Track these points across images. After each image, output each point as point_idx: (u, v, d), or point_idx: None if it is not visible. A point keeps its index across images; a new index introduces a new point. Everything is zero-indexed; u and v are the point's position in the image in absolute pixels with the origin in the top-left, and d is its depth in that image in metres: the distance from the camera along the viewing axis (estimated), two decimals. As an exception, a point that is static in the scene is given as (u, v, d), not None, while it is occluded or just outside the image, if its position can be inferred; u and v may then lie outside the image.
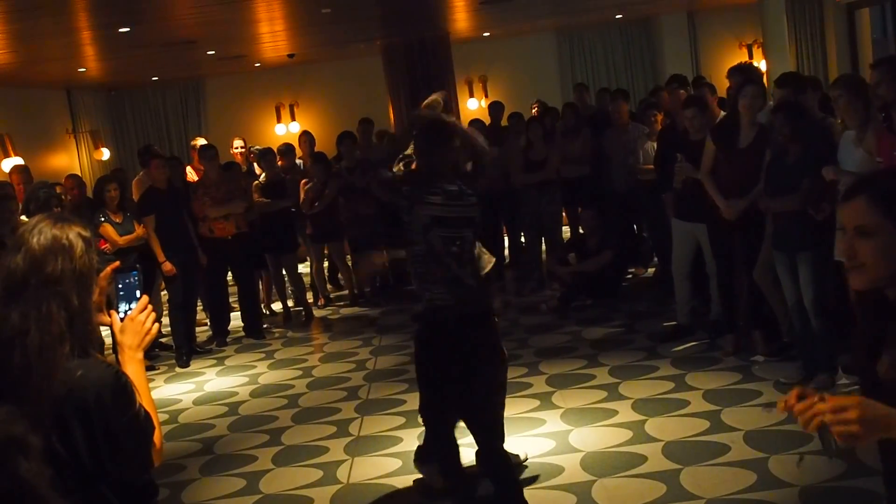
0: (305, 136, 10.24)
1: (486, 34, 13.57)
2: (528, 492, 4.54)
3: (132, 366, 2.29)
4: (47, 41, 8.63)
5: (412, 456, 5.11)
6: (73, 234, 2.18)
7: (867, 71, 6.43)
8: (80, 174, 10.36)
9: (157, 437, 2.23)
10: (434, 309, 4.07)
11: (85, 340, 2.14)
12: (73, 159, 12.67)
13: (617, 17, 13.66)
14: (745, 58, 14.01)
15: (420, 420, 4.68)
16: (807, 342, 5.52)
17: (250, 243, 8.52)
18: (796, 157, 5.37)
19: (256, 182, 8.93)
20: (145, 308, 2.33)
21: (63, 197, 7.64)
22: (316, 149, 9.87)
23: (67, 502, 1.59)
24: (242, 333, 8.71)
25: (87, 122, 13.16)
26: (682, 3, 13.51)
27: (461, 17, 11.26)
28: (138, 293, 2.33)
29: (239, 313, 8.87)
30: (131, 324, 2.31)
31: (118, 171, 10.09)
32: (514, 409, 5.20)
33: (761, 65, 12.37)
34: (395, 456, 5.17)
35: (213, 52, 11.15)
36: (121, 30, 8.21)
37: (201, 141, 9.79)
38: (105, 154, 12.89)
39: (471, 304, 4.09)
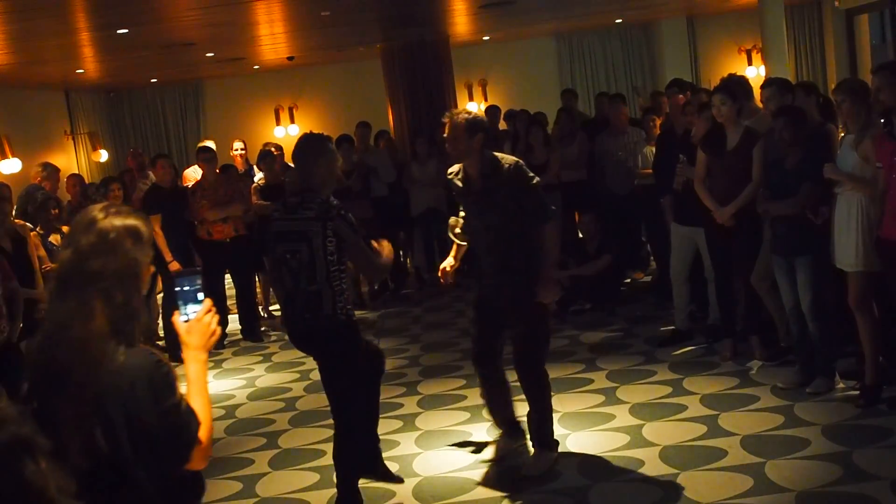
0: (306, 139, 10.21)
1: (485, 38, 13.59)
2: (525, 495, 4.54)
3: (195, 365, 2.33)
4: (45, 42, 8.62)
5: (410, 459, 5.13)
6: (122, 230, 2.20)
7: (866, 77, 6.43)
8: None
9: (204, 436, 2.22)
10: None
11: (131, 334, 2.16)
12: (72, 161, 12.66)
13: (616, 21, 13.67)
14: (744, 63, 14.05)
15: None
16: (804, 347, 5.51)
17: (248, 246, 8.51)
18: (795, 161, 5.37)
19: (255, 185, 8.92)
20: (210, 310, 2.38)
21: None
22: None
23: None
24: (240, 336, 8.70)
25: (85, 123, 13.15)
26: (682, 8, 13.53)
27: (461, 21, 11.26)
28: (201, 296, 2.39)
29: (236, 316, 8.85)
30: (198, 325, 2.36)
31: (126, 172, 10.07)
32: (511, 412, 5.20)
33: (760, 70, 12.39)
34: (392, 459, 5.15)
35: (212, 55, 11.14)
36: (119, 31, 8.20)
37: (209, 143, 9.77)
38: (103, 156, 12.88)
39: (311, 318, 4.36)
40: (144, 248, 2.24)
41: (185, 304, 2.39)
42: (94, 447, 2.09)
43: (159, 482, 2.15)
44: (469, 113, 4.68)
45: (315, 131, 11.88)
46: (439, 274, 5.03)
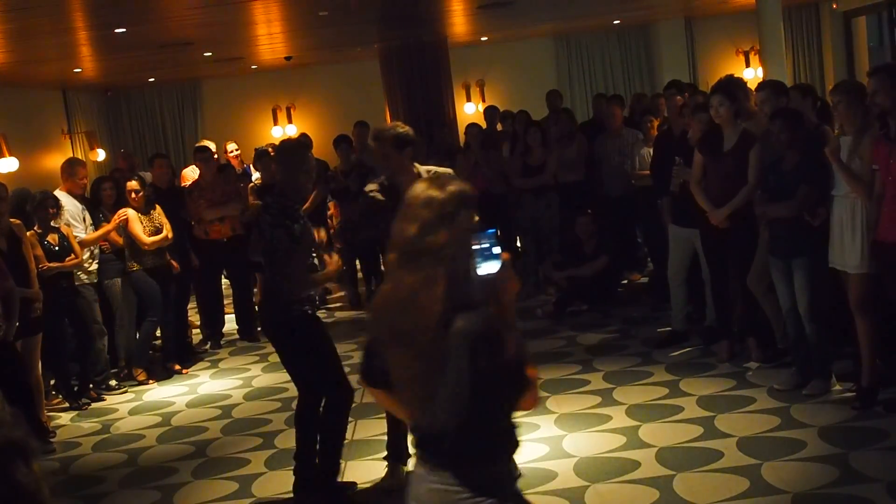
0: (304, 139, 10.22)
1: (483, 38, 13.59)
2: (521, 497, 4.54)
3: None
4: (43, 41, 8.61)
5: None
6: (456, 200, 2.39)
7: (863, 79, 6.43)
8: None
9: (532, 377, 2.40)
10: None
11: (466, 295, 2.32)
12: (69, 160, 12.63)
13: (615, 22, 13.68)
14: (742, 64, 14.07)
15: None
16: (801, 348, 5.52)
17: (245, 245, 8.50)
18: (793, 163, 5.38)
19: (252, 184, 8.92)
20: (510, 264, 2.50)
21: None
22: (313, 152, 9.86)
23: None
24: (236, 336, 8.69)
25: (82, 122, 13.13)
26: (680, 10, 13.54)
27: (459, 22, 11.26)
28: (497, 250, 2.45)
29: (233, 315, 8.84)
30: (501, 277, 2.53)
31: (116, 171, 10.04)
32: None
33: (758, 72, 12.40)
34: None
35: (209, 54, 11.13)
36: (117, 30, 8.19)
37: (209, 144, 9.76)
38: (100, 155, 12.86)
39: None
40: (472, 210, 2.43)
41: (483, 260, 2.42)
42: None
43: (491, 428, 2.37)
44: (395, 128, 4.66)
45: (311, 132, 11.94)
46: None
